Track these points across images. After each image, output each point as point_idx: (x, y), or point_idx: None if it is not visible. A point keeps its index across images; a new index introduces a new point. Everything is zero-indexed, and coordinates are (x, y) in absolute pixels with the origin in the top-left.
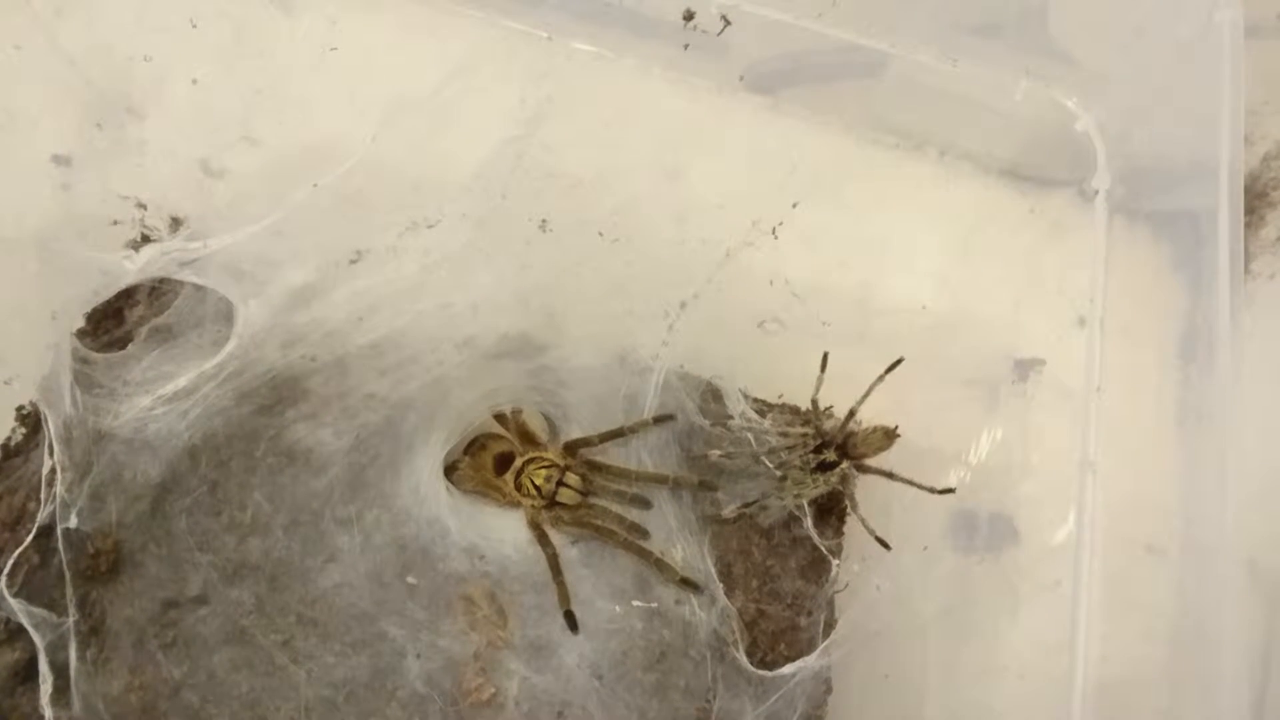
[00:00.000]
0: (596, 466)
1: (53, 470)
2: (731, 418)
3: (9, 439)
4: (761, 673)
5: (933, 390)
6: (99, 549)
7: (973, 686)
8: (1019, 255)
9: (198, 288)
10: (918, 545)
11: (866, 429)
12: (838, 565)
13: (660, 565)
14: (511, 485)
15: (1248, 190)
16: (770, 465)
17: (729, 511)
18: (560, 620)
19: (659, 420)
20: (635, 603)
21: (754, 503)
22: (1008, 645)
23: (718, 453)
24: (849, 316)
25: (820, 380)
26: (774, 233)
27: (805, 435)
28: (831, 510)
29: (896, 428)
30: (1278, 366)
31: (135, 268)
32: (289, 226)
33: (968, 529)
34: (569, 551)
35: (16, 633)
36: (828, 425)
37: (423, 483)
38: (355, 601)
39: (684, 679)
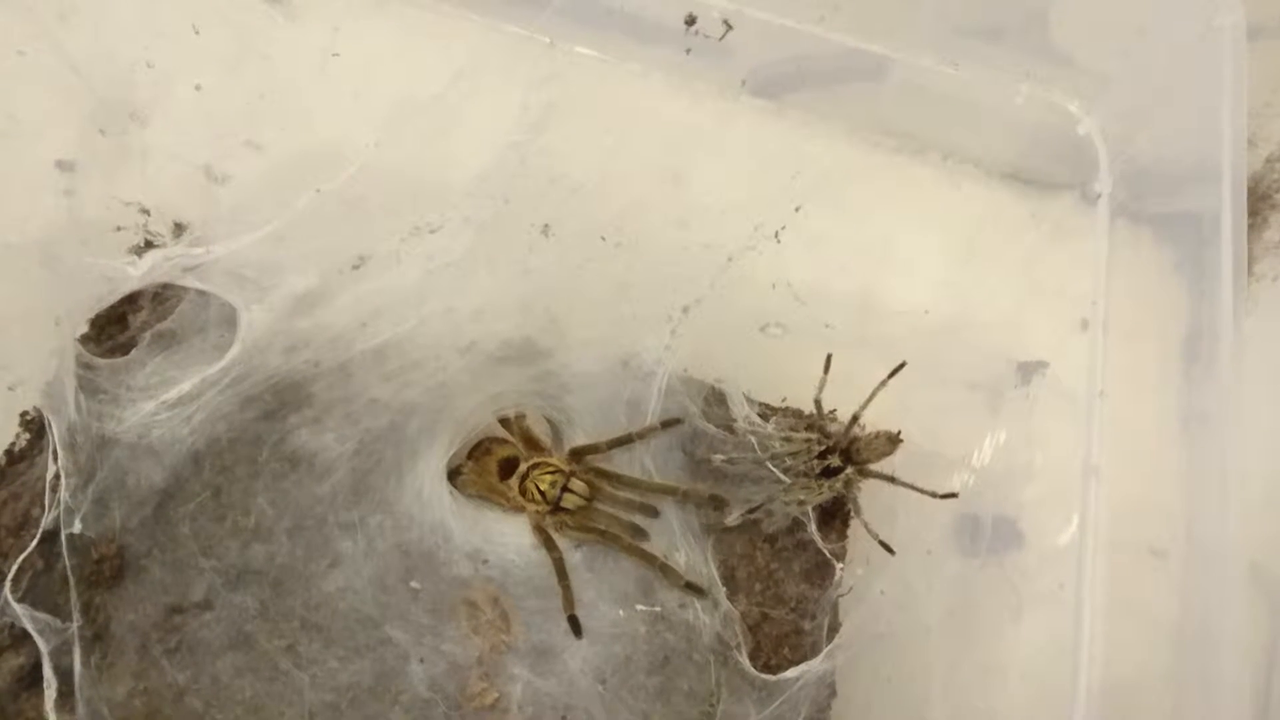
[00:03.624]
0: (604, 475)
1: (57, 476)
2: (735, 421)
3: (13, 444)
4: (765, 677)
5: (935, 393)
6: (103, 554)
7: (976, 690)
8: (1021, 258)
9: (201, 293)
10: (921, 549)
11: (870, 434)
12: (841, 569)
13: (665, 570)
14: (516, 490)
15: (1250, 193)
16: (775, 470)
17: (733, 519)
18: (563, 624)
19: (667, 425)
20: (639, 607)
21: (758, 508)
22: (1011, 648)
23: (721, 458)
24: (851, 320)
25: (823, 382)
26: (776, 237)
27: (809, 440)
28: (835, 514)
29: (900, 433)
30: None
31: (139, 273)
32: (292, 232)
33: (971, 532)
34: (572, 556)
35: (21, 638)
36: (832, 428)
37: (426, 487)
38: (359, 606)
39: (687, 683)
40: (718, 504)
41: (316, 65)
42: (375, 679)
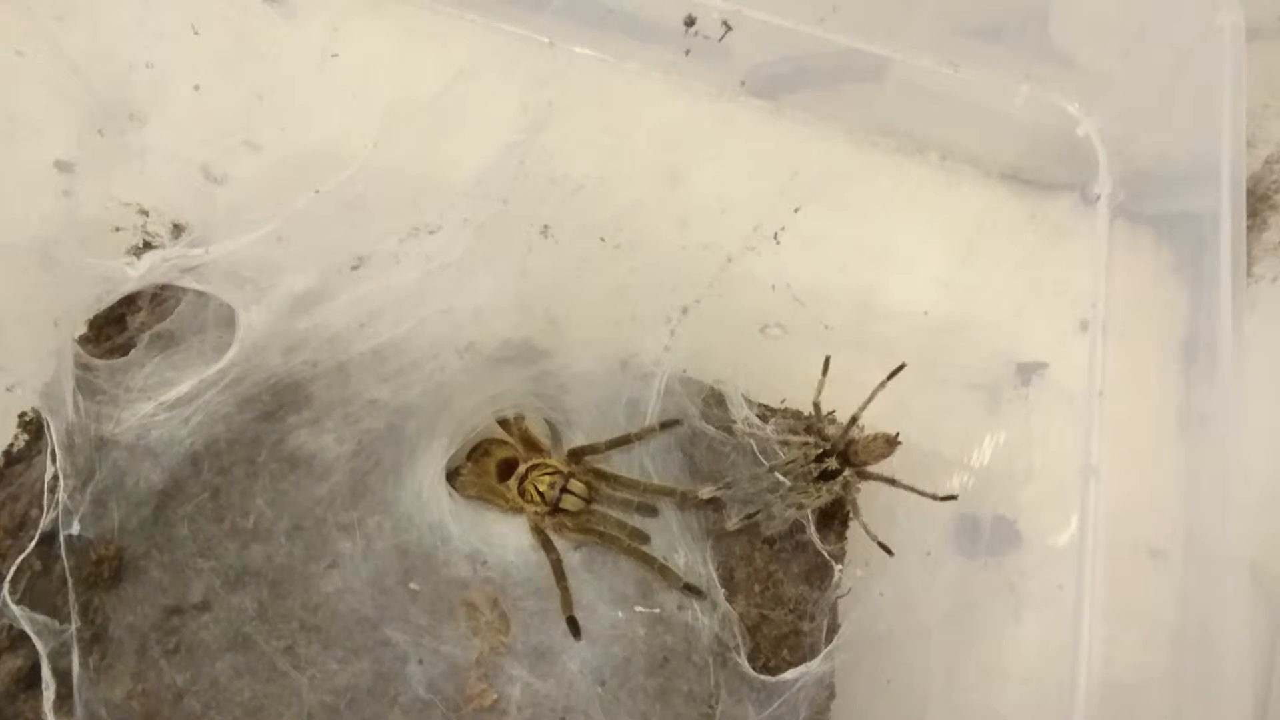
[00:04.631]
0: (603, 475)
1: (55, 477)
2: (734, 423)
3: (11, 445)
4: (764, 678)
5: (935, 394)
6: (101, 556)
7: (976, 691)
8: (1021, 259)
9: (199, 294)
10: (920, 550)
11: (868, 437)
12: (840, 570)
13: (663, 571)
14: (515, 491)
15: (1249, 193)
16: (780, 478)
17: (733, 524)
18: (562, 626)
19: (665, 426)
20: (638, 608)
21: (757, 513)
22: (1010, 649)
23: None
24: (851, 321)
25: (822, 384)
26: (775, 237)
27: (807, 444)
28: (834, 515)
29: (898, 435)
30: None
31: (137, 274)
32: (290, 232)
33: (970, 533)
34: (571, 557)
35: (19, 640)
36: (830, 430)
37: (425, 488)
38: (357, 607)
39: (687, 684)
40: (716, 505)
41: (315, 65)
42: (374, 680)
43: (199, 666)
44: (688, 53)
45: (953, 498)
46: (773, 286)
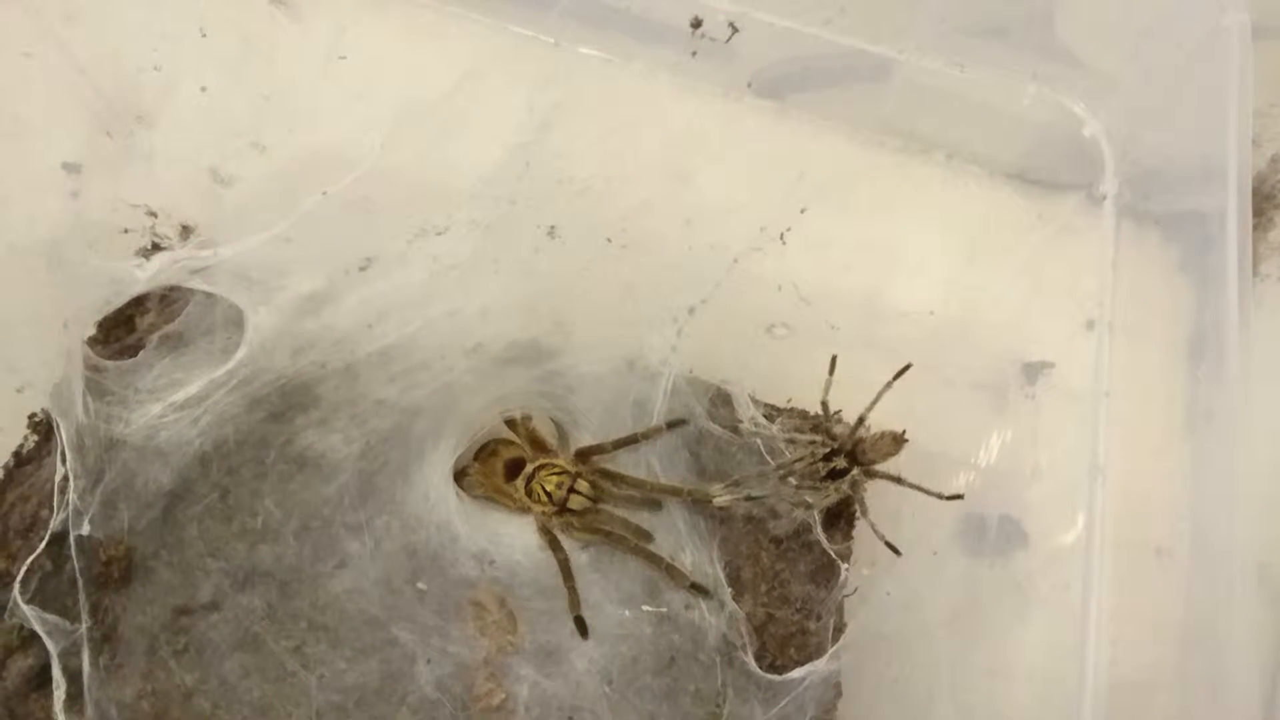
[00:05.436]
0: (609, 475)
1: (65, 478)
2: (741, 423)
3: (21, 446)
4: (771, 677)
5: (941, 394)
6: (111, 556)
7: (982, 690)
8: (1027, 259)
9: (208, 295)
10: (927, 549)
11: (875, 435)
12: (847, 569)
13: (670, 570)
14: (522, 491)
15: (1256, 192)
16: (792, 484)
17: (722, 500)
18: (569, 625)
19: (672, 426)
20: (645, 608)
21: (757, 498)
22: (1017, 649)
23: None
24: (857, 321)
25: (829, 383)
26: (782, 238)
27: (814, 443)
28: (840, 515)
29: (905, 432)
30: None
31: (146, 275)
32: (298, 234)
33: (977, 532)
34: (579, 556)
35: (30, 639)
36: (837, 429)
37: (432, 488)
38: (366, 607)
39: (694, 684)
40: (720, 505)
41: (322, 67)
42: (382, 680)
43: (208, 666)
44: (694, 54)
45: (959, 497)
46: (779, 287)
